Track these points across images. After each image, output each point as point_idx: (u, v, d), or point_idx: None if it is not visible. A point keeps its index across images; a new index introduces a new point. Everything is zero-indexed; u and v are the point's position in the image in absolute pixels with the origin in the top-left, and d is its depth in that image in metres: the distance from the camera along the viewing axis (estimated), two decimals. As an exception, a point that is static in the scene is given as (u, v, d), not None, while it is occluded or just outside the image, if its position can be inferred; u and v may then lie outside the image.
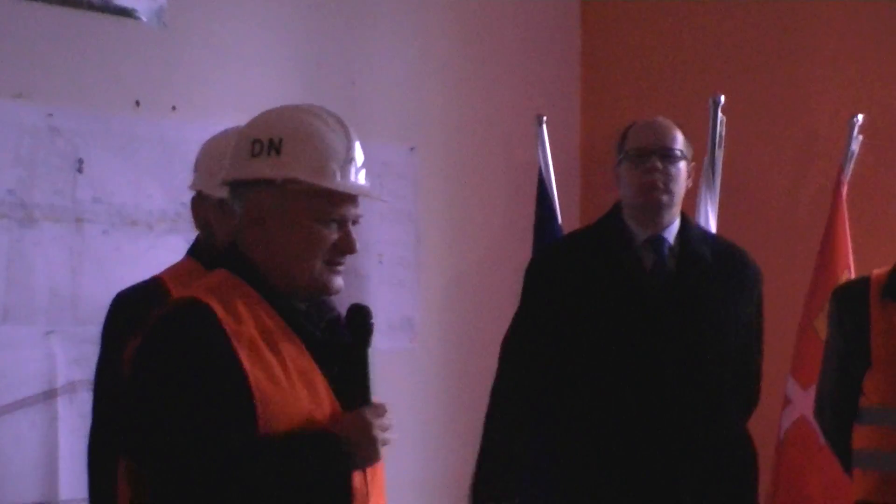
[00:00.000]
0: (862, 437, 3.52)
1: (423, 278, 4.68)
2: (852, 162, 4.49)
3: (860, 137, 4.48)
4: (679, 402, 3.34)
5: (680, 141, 3.44)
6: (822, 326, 4.00)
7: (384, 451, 2.40)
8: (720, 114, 4.39)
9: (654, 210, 3.40)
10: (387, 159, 4.57)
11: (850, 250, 4.44)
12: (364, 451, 2.37)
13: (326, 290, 2.41)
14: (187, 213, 3.13)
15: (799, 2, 4.94)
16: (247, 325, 2.30)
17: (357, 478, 2.38)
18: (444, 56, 4.82)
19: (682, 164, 3.41)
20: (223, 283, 2.37)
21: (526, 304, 3.55)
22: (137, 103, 3.77)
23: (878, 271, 3.61)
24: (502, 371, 3.55)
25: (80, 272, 3.83)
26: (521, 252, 4.69)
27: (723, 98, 4.43)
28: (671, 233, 3.43)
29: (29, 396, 3.73)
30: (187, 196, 3.09)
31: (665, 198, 3.38)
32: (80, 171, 3.83)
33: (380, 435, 2.39)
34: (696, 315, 3.38)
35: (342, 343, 2.45)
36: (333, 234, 2.39)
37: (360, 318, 2.47)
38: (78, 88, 3.79)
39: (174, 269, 3.09)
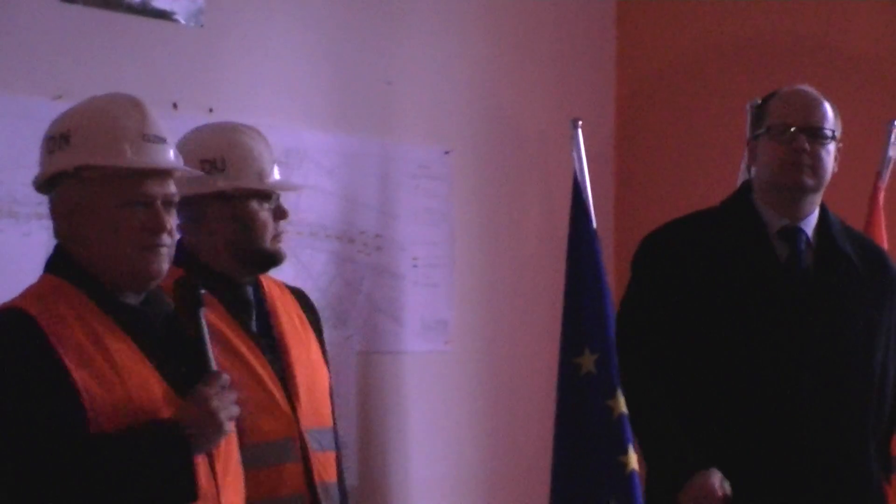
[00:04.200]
0: (900, 443, 3.50)
1: (457, 280, 4.68)
2: (890, 167, 4.46)
3: (898, 142, 4.46)
4: (814, 423, 2.94)
5: (830, 118, 3.02)
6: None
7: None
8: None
9: (796, 193, 2.99)
10: (422, 160, 4.57)
11: (887, 255, 4.42)
12: (205, 428, 2.21)
13: (147, 274, 2.29)
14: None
15: (836, 3, 4.92)
16: (72, 329, 2.21)
17: (203, 472, 2.23)
18: (480, 57, 4.82)
19: (832, 146, 3.01)
20: (48, 289, 2.29)
21: (639, 292, 3.08)
22: (175, 105, 3.78)
23: None
24: (624, 366, 3.12)
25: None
26: (556, 255, 4.70)
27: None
28: (809, 224, 3.02)
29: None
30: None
31: (811, 181, 2.97)
32: (117, 171, 3.83)
33: (220, 407, 2.23)
34: (841, 320, 2.98)
35: (183, 338, 2.33)
36: (139, 216, 2.28)
37: (187, 290, 2.36)
38: (116, 90, 3.79)
39: None
